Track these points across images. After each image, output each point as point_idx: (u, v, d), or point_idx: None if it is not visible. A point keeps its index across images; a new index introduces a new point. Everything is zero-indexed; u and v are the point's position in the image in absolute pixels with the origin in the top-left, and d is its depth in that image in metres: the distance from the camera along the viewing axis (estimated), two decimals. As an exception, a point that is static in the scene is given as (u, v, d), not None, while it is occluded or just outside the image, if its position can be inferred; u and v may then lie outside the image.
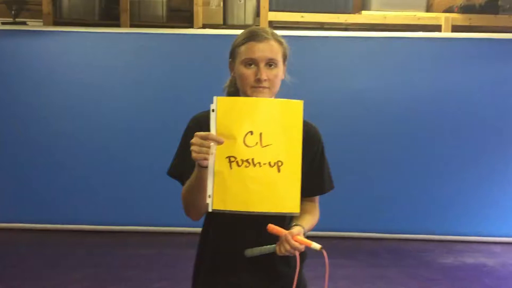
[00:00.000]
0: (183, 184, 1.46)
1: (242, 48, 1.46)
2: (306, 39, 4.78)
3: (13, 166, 4.76)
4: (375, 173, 4.77)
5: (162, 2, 5.02)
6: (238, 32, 4.94)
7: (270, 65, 1.46)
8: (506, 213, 4.74)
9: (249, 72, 1.44)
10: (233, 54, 1.51)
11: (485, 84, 4.73)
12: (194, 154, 1.27)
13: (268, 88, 1.46)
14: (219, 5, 5.04)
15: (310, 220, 1.53)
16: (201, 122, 1.44)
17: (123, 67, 4.79)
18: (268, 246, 1.40)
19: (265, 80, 1.44)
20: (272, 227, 1.37)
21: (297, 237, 1.35)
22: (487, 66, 4.73)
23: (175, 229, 4.60)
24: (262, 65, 1.44)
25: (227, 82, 1.61)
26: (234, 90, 1.54)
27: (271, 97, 1.47)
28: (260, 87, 1.44)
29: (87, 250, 4.23)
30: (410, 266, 3.97)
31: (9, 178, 4.77)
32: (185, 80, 4.77)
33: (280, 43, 1.52)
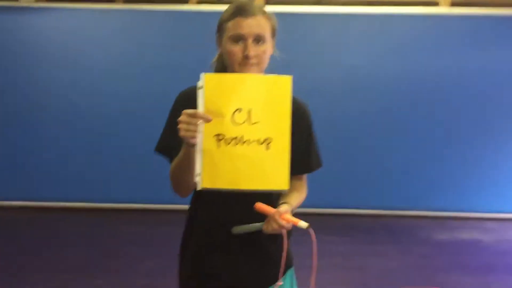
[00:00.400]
0: (171, 161, 1.44)
1: (230, 23, 1.41)
2: (303, 15, 4.72)
3: (3, 144, 4.76)
4: (371, 151, 4.77)
5: (157, -23, 4.93)
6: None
7: (258, 41, 1.42)
8: (501, 189, 4.76)
9: (236, 48, 1.40)
10: (220, 30, 1.47)
11: (485, 61, 4.69)
12: (182, 132, 1.25)
13: (257, 64, 1.42)
14: (214, -20, 4.95)
15: (297, 198, 1.52)
16: (189, 98, 1.40)
17: (116, 44, 4.73)
18: (255, 224, 1.38)
19: (253, 56, 1.40)
20: (260, 206, 1.36)
21: (284, 215, 1.35)
22: (486, 43, 4.69)
23: (169, 207, 4.59)
24: (250, 41, 1.40)
25: (215, 57, 1.59)
26: (222, 66, 1.52)
27: (259, 73, 1.44)
28: (248, 63, 1.40)
29: (80, 228, 4.24)
30: (405, 242, 4.00)
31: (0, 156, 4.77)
32: (179, 58, 4.71)
33: (268, 18, 1.46)
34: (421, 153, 4.76)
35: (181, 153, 1.33)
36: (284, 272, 1.51)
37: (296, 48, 4.72)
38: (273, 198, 1.43)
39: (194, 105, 1.30)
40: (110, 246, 3.75)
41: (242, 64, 1.41)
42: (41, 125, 4.75)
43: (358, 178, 4.78)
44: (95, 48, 4.72)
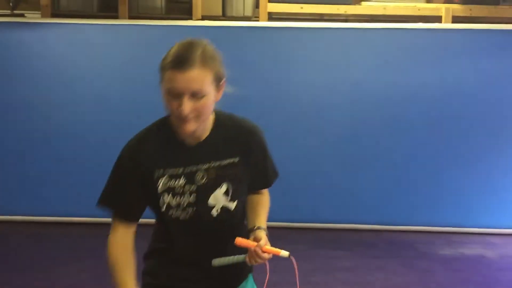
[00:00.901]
0: (113, 213, 1.46)
1: (166, 74, 1.33)
2: (305, 30, 4.76)
3: (10, 159, 4.76)
4: (375, 166, 4.77)
5: (161, -7, 5.00)
6: (238, 24, 4.91)
7: (196, 96, 1.32)
8: (505, 204, 4.75)
9: (173, 103, 1.33)
10: (160, 74, 1.38)
11: (486, 76, 4.71)
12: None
13: (195, 118, 1.35)
14: (218, -4, 5.02)
15: (265, 213, 1.54)
16: (137, 155, 1.43)
17: (121, 59, 4.77)
18: (236, 256, 1.42)
19: (188, 114, 1.32)
20: (241, 241, 1.39)
21: (265, 247, 1.38)
22: (487, 58, 4.72)
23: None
24: (185, 98, 1.31)
25: None
26: None
27: (199, 125, 1.38)
28: (185, 119, 1.33)
29: (86, 242, 4.23)
30: (409, 257, 3.98)
31: (6, 171, 4.76)
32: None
33: (209, 67, 1.36)
34: (424, 167, 4.76)
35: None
36: (245, 277, 1.58)
37: (298, 62, 4.76)
38: (244, 229, 1.51)
39: (144, 163, 1.37)
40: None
41: (179, 119, 1.34)
42: (46, 141, 4.76)
43: (361, 193, 4.77)
44: (101, 63, 4.76)
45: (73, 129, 4.74)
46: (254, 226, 1.45)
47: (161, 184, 1.40)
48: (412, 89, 4.72)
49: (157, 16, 4.95)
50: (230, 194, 1.44)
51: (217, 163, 1.44)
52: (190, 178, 1.41)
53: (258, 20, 4.98)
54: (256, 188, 1.54)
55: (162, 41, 5.15)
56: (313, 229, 4.69)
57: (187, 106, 1.31)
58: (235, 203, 1.45)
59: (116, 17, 4.89)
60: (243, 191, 1.49)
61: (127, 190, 1.43)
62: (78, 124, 4.73)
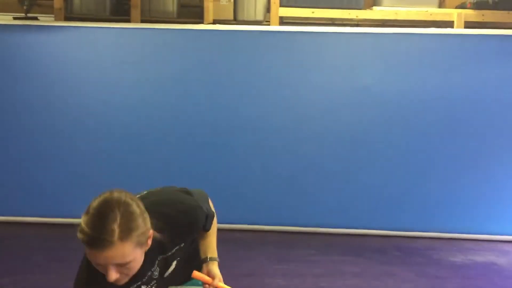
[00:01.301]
0: None
1: (85, 248, 1.27)
2: (316, 35, 4.76)
3: (20, 160, 4.79)
4: (384, 171, 4.75)
5: (173, -3, 5.03)
6: (249, 28, 4.90)
7: (121, 265, 1.28)
8: (517, 211, 4.71)
9: (99, 268, 1.30)
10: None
11: (498, 82, 4.68)
12: None
13: (125, 276, 1.32)
14: (229, 0, 5.04)
15: (215, 240, 1.76)
16: None
17: (133, 62, 4.80)
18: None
19: (116, 279, 1.29)
20: (197, 275, 1.59)
21: (218, 284, 1.59)
22: (500, 63, 4.68)
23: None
24: (110, 268, 1.26)
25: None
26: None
27: (129, 276, 1.35)
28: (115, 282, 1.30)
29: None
30: (419, 264, 3.95)
31: (16, 172, 4.80)
32: (195, 75, 4.77)
33: (129, 238, 1.26)
34: (435, 174, 4.73)
35: None
36: None
37: (309, 67, 4.76)
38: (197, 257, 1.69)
39: None
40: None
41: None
42: (57, 143, 4.81)
43: (371, 199, 4.75)
44: (113, 66, 4.79)
45: (83, 132, 4.78)
46: (207, 257, 1.65)
47: None
48: (424, 94, 4.70)
49: (169, 20, 4.98)
50: (181, 259, 1.59)
51: (162, 275, 1.54)
52: None
53: (269, 25, 4.99)
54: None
55: (173, 45, 5.23)
56: (322, 234, 4.68)
57: (113, 275, 1.27)
58: (185, 257, 1.63)
59: (128, 20, 4.92)
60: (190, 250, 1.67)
61: None
62: (88, 126, 4.77)
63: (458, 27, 4.97)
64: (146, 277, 1.46)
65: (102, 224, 1.22)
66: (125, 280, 1.32)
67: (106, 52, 4.79)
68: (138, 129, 4.79)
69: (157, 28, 4.80)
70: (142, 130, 4.78)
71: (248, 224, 4.72)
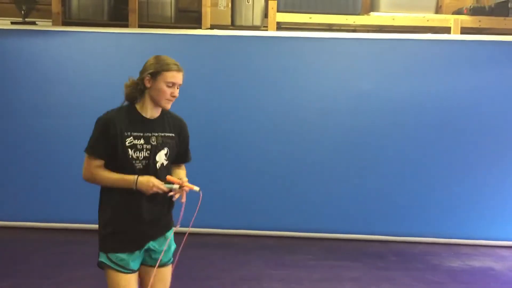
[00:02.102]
0: (93, 155, 2.17)
1: (168, 73, 2.13)
2: (314, 40, 4.78)
3: (19, 165, 4.79)
4: (383, 176, 4.75)
5: (171, 2, 5.03)
6: (246, 33, 4.93)
7: (178, 87, 2.18)
8: (514, 216, 4.72)
9: (168, 90, 2.13)
10: (156, 74, 2.14)
11: (494, 87, 4.71)
12: (153, 190, 2.09)
13: (173, 99, 2.18)
14: (227, 6, 5.05)
15: (184, 174, 2.32)
16: (113, 119, 2.20)
17: (131, 67, 4.78)
18: (172, 185, 2.12)
19: (176, 96, 2.18)
20: (169, 177, 2.13)
21: (186, 183, 2.13)
22: (496, 69, 4.71)
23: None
24: (177, 87, 2.17)
25: (129, 82, 2.26)
26: (134, 95, 2.22)
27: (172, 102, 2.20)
28: (171, 100, 2.17)
29: (93, 248, 4.23)
30: (417, 269, 3.95)
31: (15, 177, 4.79)
32: (192, 80, 4.77)
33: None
34: (433, 179, 4.74)
35: (121, 183, 2.12)
36: (168, 231, 2.25)
37: (306, 71, 4.77)
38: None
39: (118, 123, 2.14)
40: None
41: (168, 100, 2.16)
42: (55, 147, 4.80)
43: (369, 204, 4.76)
44: (110, 71, 4.80)
45: (79, 135, 4.76)
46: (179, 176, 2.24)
47: (127, 141, 2.11)
48: (421, 99, 4.72)
49: (166, 25, 4.99)
50: (167, 156, 2.19)
51: (163, 134, 2.19)
52: (147, 140, 2.14)
53: (267, 30, 5.00)
54: (179, 162, 2.32)
55: (171, 50, 5.20)
56: (322, 239, 4.67)
57: (176, 91, 2.17)
58: (168, 162, 2.21)
59: (126, 25, 4.93)
60: (173, 156, 2.24)
61: (104, 141, 2.14)
62: (86, 131, 4.76)
63: (454, 32, 4.99)
64: (154, 132, 2.17)
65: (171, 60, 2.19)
66: (171, 103, 2.19)
67: (104, 57, 4.80)
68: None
69: (155, 33, 4.81)
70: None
71: (246, 229, 4.72)
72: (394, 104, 4.74)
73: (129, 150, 2.10)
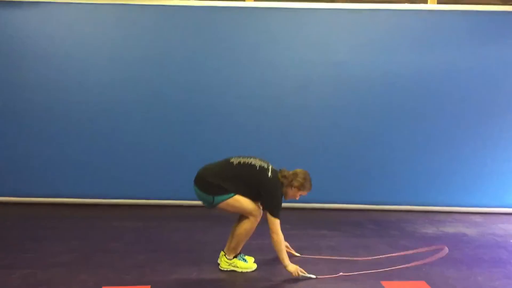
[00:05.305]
0: (279, 217, 3.05)
1: (305, 190, 3.16)
2: (292, 10, 4.74)
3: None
4: (359, 147, 4.81)
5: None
6: (226, 4, 4.81)
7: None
8: (486, 184, 4.85)
9: (298, 195, 3.16)
10: (299, 188, 3.13)
11: (471, 58, 4.76)
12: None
13: None
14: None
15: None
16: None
17: (109, 40, 4.71)
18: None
19: None
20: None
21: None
22: (473, 39, 4.75)
23: (160, 202, 4.61)
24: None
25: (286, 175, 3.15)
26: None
27: None
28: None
29: (71, 223, 4.23)
30: (393, 236, 4.05)
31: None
32: (172, 53, 4.71)
33: None
34: (408, 149, 4.82)
35: (284, 255, 3.07)
36: None
37: (286, 43, 4.74)
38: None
39: None
40: (101, 242, 3.75)
41: (295, 198, 3.16)
42: (30, 121, 4.72)
43: (347, 174, 4.83)
44: (87, 43, 4.70)
45: (55, 109, 4.70)
46: None
47: None
48: (398, 69, 4.76)
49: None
50: None
51: None
52: None
53: (245, 1, 4.93)
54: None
55: (150, 21, 5.11)
56: (298, 209, 4.74)
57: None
58: None
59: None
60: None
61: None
62: (61, 104, 4.69)
63: (431, 2, 4.99)
64: None
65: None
66: None
67: (81, 29, 4.69)
68: (112, 106, 4.72)
69: (134, 4, 4.70)
70: (117, 107, 4.72)
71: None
72: (371, 73, 4.76)
73: None
